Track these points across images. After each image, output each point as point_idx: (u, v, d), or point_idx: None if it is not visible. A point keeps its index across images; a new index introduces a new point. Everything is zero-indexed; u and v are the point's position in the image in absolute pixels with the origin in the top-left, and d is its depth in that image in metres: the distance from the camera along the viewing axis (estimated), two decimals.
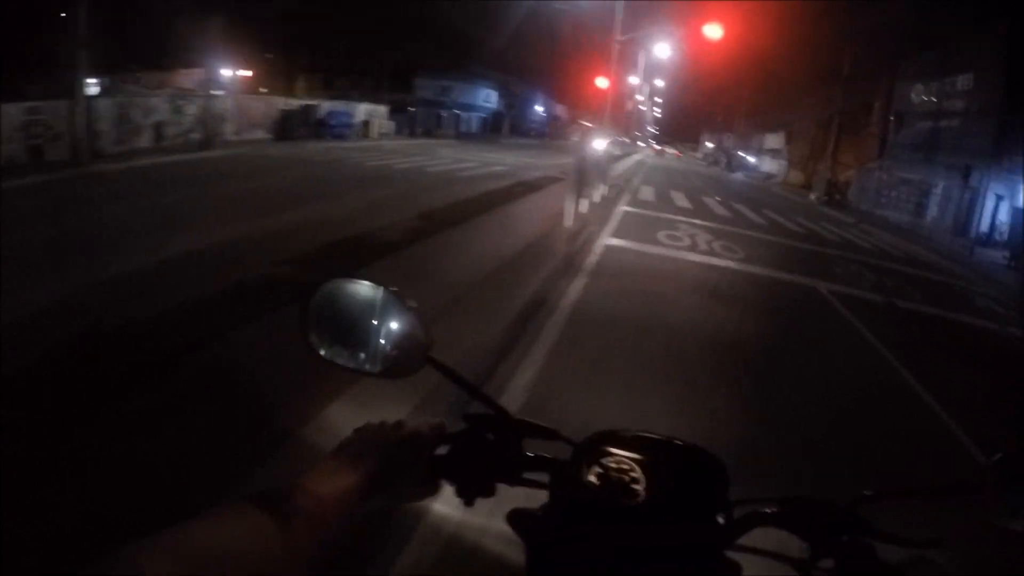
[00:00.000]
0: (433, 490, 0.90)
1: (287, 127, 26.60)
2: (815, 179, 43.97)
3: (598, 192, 15.43)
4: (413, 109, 48.97)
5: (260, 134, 25.18)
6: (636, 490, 0.83)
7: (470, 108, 59.52)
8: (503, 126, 63.51)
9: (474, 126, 59.51)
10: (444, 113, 55.22)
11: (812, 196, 36.42)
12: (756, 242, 14.32)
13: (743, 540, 0.86)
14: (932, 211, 27.88)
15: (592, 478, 0.84)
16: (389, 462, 0.80)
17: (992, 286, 15.85)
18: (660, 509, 0.82)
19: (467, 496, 0.89)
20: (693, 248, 12.20)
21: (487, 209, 12.86)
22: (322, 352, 0.91)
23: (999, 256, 21.07)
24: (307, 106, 29.58)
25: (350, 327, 0.90)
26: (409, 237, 9.06)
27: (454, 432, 0.91)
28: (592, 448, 0.88)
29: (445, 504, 0.98)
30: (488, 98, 61.03)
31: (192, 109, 20.77)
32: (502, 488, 0.90)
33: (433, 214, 11.29)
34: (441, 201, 12.95)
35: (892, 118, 33.77)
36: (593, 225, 12.46)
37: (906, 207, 30.44)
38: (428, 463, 0.88)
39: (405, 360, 0.89)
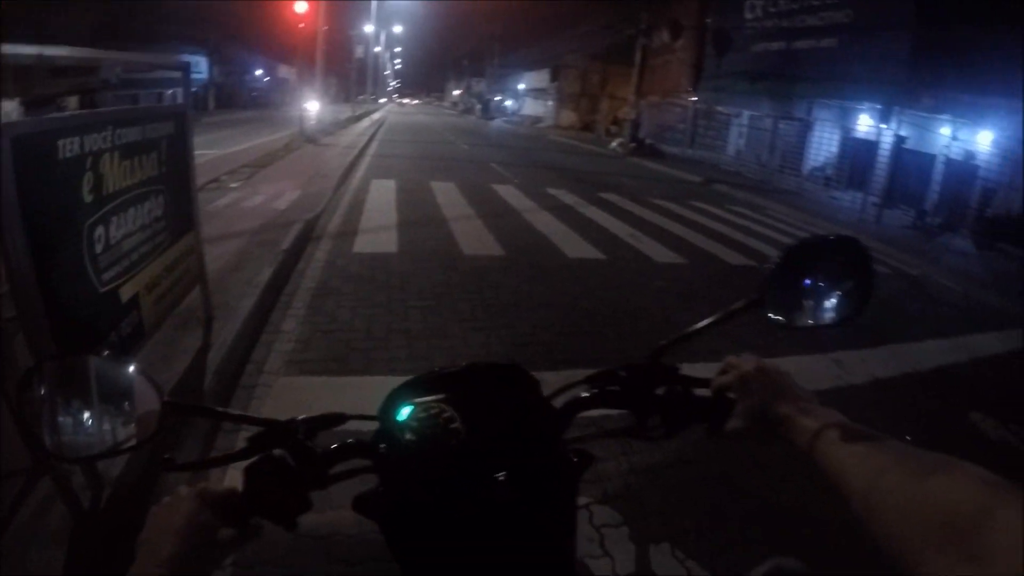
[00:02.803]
0: (249, 534, 0.84)
1: None
2: (597, 119, 38.39)
3: None
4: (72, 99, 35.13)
5: None
6: (455, 428, 0.83)
7: (174, 83, 44.84)
8: (210, 100, 52.12)
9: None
10: (141, 93, 42.31)
11: (614, 144, 27.33)
12: None
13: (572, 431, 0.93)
14: (788, 159, 19.97)
15: (409, 436, 0.83)
16: (193, 542, 0.76)
17: None
18: (483, 436, 0.83)
19: (285, 522, 0.85)
20: None
21: None
22: (48, 444, 0.78)
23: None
24: None
25: (74, 409, 0.79)
26: None
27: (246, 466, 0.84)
28: (395, 407, 0.86)
29: None
30: (197, 67, 48.52)
31: None
32: None
33: None
34: None
35: (709, 38, 25.67)
36: None
37: (741, 152, 23.01)
38: (231, 512, 0.82)
39: (143, 423, 0.81)
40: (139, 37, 42.14)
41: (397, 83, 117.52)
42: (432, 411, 0.85)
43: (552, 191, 12.57)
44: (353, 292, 5.47)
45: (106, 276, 2.97)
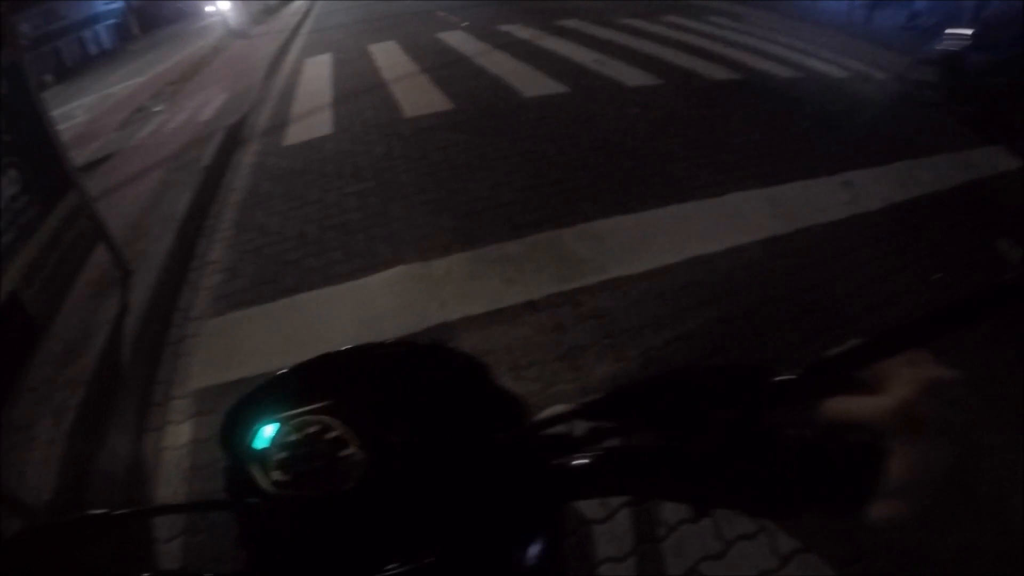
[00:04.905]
0: None
1: None
2: None
3: None
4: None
5: None
6: (349, 457, 0.51)
7: (93, 21, 42.63)
8: (133, 25, 47.90)
9: (106, 40, 43.12)
10: (61, 44, 39.45)
11: None
12: None
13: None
14: None
15: (275, 477, 0.51)
16: None
17: None
18: (398, 469, 0.51)
19: None
20: None
21: None
22: None
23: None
24: None
25: None
26: None
27: None
28: (245, 429, 0.53)
29: None
30: None
31: None
32: None
33: None
34: None
35: None
36: None
37: None
38: None
39: None
40: None
41: None
42: (309, 430, 0.51)
43: (506, 27, 11.42)
44: (284, 193, 4.82)
45: None
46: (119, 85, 14.00)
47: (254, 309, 3.38)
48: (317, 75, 9.27)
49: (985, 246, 3.69)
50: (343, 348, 0.58)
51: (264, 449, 0.52)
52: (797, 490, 0.46)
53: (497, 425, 0.54)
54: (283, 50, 12.28)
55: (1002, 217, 4.08)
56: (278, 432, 0.53)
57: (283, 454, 0.52)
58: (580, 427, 0.52)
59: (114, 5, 45.17)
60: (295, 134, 6.38)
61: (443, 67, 8.49)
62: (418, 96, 7.04)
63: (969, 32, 7.46)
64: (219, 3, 17.84)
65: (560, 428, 0.53)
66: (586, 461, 0.53)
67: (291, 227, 4.24)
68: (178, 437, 2.60)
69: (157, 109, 9.15)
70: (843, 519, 0.45)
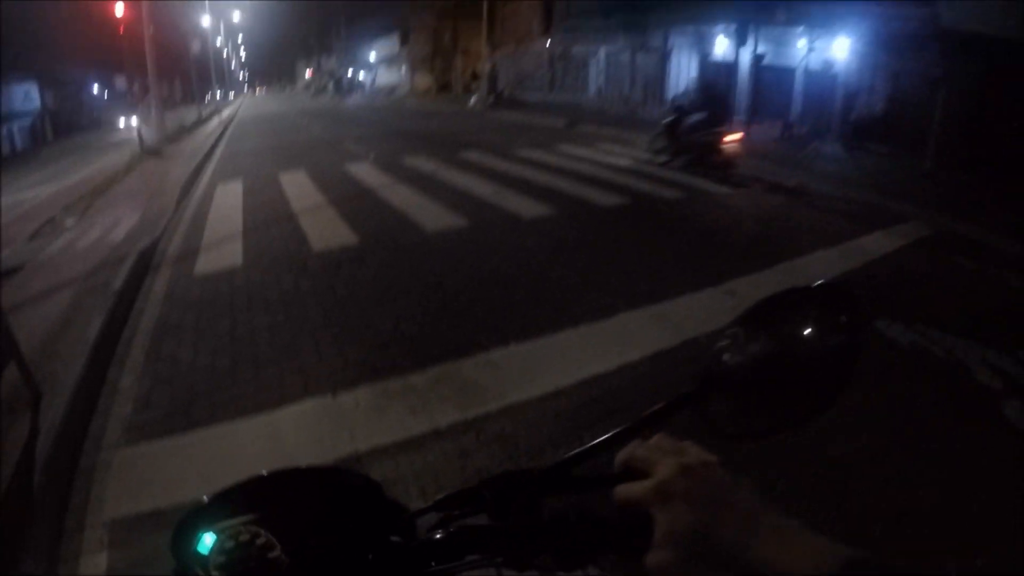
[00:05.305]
0: None
1: None
2: (453, 78, 38.31)
3: None
4: None
5: None
6: (275, 559, 0.63)
7: (6, 120, 41.59)
8: (47, 129, 46.24)
9: (19, 140, 41.99)
10: None
11: (472, 100, 26.95)
12: None
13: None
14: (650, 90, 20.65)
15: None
16: None
17: None
18: (315, 564, 0.65)
19: None
20: None
21: None
22: None
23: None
24: None
25: None
26: None
27: None
28: (191, 538, 0.65)
29: None
30: (28, 96, 43.54)
31: None
32: None
33: None
34: None
35: None
36: None
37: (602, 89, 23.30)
38: None
39: None
40: None
41: (246, 74, 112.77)
42: (241, 538, 0.65)
43: (410, 160, 12.21)
44: (194, 324, 5.01)
45: None
46: (31, 191, 13.81)
47: (166, 441, 3.46)
48: (228, 203, 9.55)
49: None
50: (268, 472, 0.73)
51: (206, 555, 0.65)
52: (590, 553, 0.66)
53: (390, 530, 0.71)
54: (196, 172, 12.53)
55: (877, 300, 4.85)
56: (216, 541, 0.65)
57: (221, 559, 0.64)
58: (453, 519, 0.70)
59: (30, 106, 43.41)
60: (206, 263, 6.57)
61: (349, 200, 9.01)
62: (325, 228, 7.46)
63: (681, 103, 11.07)
64: (133, 118, 17.98)
65: (436, 524, 0.70)
66: (449, 545, 0.67)
67: (202, 358, 4.39)
68: (94, 567, 2.64)
69: (68, 223, 9.15)
70: (629, 570, 0.62)
